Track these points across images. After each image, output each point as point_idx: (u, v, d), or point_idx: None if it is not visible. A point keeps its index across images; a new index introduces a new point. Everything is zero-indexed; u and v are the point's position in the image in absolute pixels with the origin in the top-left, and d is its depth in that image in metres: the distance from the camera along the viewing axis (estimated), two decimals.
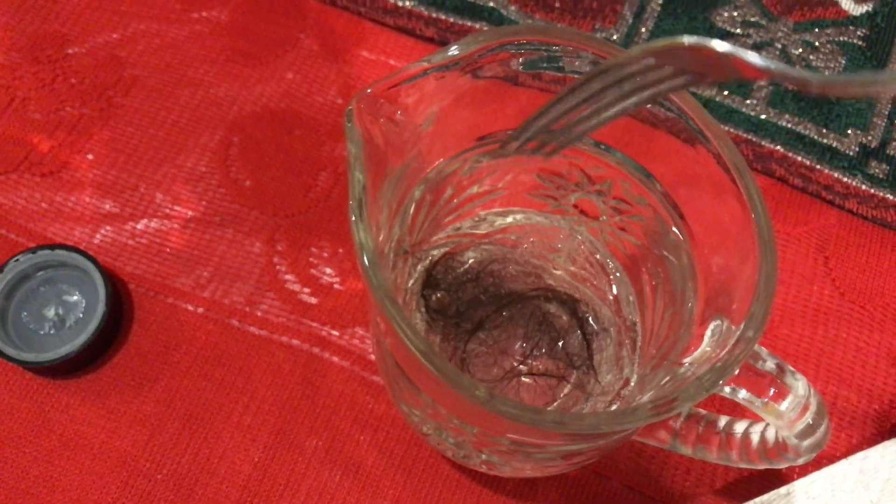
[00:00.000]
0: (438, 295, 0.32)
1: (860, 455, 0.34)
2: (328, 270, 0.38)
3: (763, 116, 0.42)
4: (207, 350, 0.36)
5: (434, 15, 0.43)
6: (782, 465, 0.29)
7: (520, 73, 0.28)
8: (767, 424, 0.28)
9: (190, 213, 0.39)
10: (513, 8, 0.44)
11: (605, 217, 0.32)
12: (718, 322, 0.26)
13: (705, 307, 0.27)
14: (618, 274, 0.33)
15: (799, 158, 0.41)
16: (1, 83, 0.41)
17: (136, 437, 0.35)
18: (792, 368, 0.25)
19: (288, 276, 0.38)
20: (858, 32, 0.44)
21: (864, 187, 0.41)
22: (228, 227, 0.39)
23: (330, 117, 0.41)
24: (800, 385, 0.25)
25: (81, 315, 0.36)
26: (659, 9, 0.44)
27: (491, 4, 0.44)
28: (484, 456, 0.29)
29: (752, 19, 0.44)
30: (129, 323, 0.37)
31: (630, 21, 0.44)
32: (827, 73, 0.43)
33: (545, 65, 0.27)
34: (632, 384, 0.31)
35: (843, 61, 0.43)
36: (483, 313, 0.33)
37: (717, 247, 0.27)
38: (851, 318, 0.38)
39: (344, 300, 0.37)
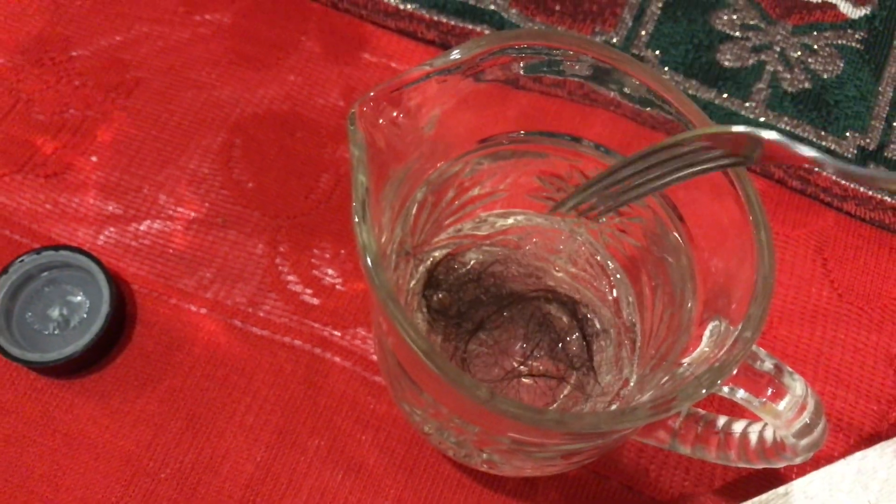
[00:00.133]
0: (440, 295, 0.33)
1: (858, 455, 0.35)
2: (330, 271, 0.38)
3: (762, 119, 0.42)
4: (210, 350, 0.37)
5: (435, 18, 0.43)
6: (780, 465, 0.29)
7: (521, 76, 0.28)
8: (765, 424, 0.29)
9: (193, 214, 0.39)
10: (513, 11, 0.44)
11: (604, 219, 0.32)
12: (717, 323, 0.26)
13: (704, 308, 0.27)
14: (618, 275, 0.33)
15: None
16: (5, 85, 0.41)
17: (140, 436, 0.35)
18: (790, 369, 0.25)
19: (290, 277, 0.38)
20: (857, 36, 0.45)
21: (862, 189, 0.41)
22: (231, 228, 0.39)
23: (332, 119, 0.41)
24: (797, 385, 0.25)
25: (85, 315, 0.36)
26: (658, 12, 0.45)
27: (492, 8, 0.44)
28: (485, 455, 0.29)
29: (752, 22, 0.45)
30: (133, 323, 0.37)
31: (630, 24, 0.44)
32: (825, 76, 0.43)
33: (546, 68, 0.28)
34: (631, 384, 0.31)
35: (842, 64, 0.44)
36: (484, 314, 0.33)
37: (716, 248, 0.28)
38: (849, 319, 0.39)
39: (346, 301, 0.38)
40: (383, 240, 0.25)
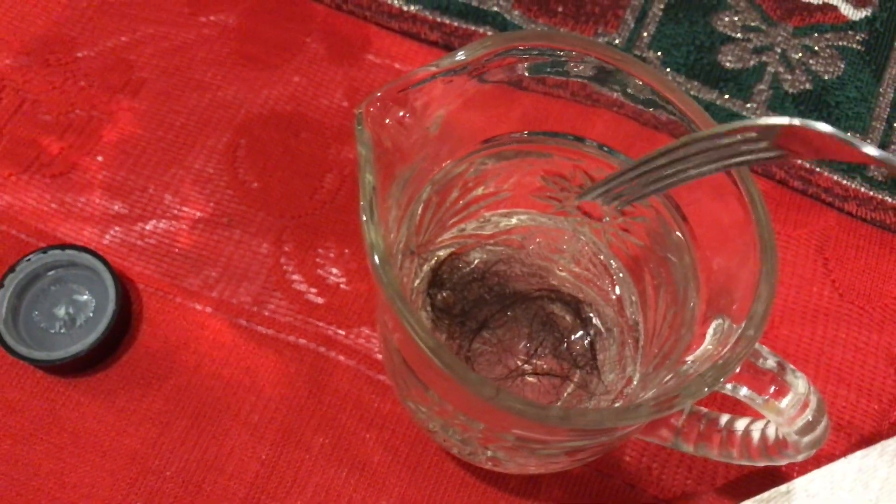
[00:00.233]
0: (444, 294, 0.33)
1: (859, 454, 0.35)
2: (334, 270, 0.39)
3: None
4: (215, 349, 0.37)
5: (439, 19, 0.44)
6: (782, 462, 0.29)
7: (524, 77, 0.28)
8: (768, 422, 0.29)
9: (198, 214, 0.39)
10: (516, 13, 0.44)
11: (608, 218, 0.32)
12: (720, 321, 0.26)
13: (707, 307, 0.28)
14: (621, 274, 0.33)
15: (798, 161, 0.42)
16: (12, 86, 0.41)
17: (146, 434, 0.35)
18: (792, 366, 0.26)
19: (295, 277, 0.38)
20: (857, 37, 0.45)
21: (863, 190, 0.41)
22: (236, 227, 0.39)
23: (336, 120, 0.42)
24: (800, 383, 0.25)
25: (91, 314, 0.36)
26: (660, 14, 0.45)
27: (495, 9, 0.44)
28: (489, 452, 0.29)
29: (753, 24, 0.45)
30: (138, 322, 0.37)
31: (632, 26, 0.44)
32: (826, 77, 0.44)
33: (549, 69, 0.28)
34: (634, 383, 0.31)
35: (843, 66, 0.44)
36: (487, 313, 0.33)
37: (719, 248, 0.28)
38: (850, 319, 0.39)
39: (350, 300, 0.38)
40: (390, 238, 0.26)
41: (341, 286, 0.38)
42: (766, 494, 0.34)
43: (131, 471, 0.35)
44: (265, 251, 0.39)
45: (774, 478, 0.36)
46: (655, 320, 0.31)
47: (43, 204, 0.39)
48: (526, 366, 0.33)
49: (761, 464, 0.30)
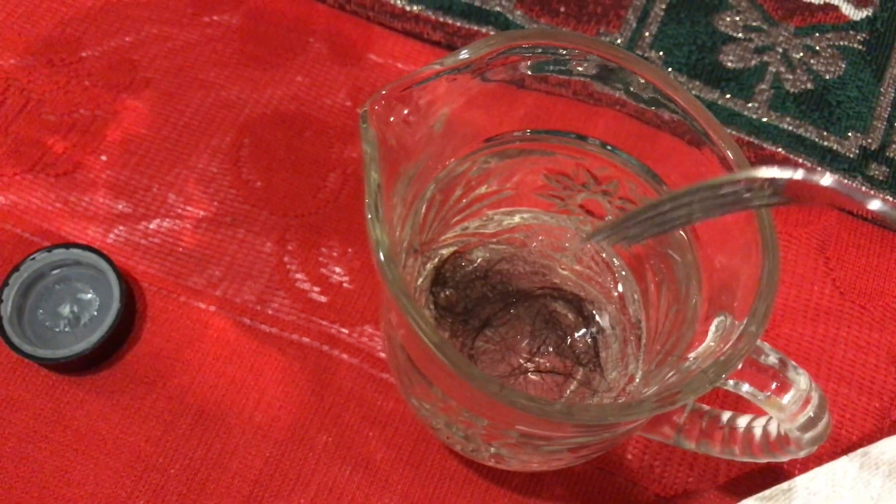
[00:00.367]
0: (447, 293, 0.33)
1: (860, 451, 0.35)
2: (338, 269, 0.39)
3: (765, 119, 0.43)
4: (219, 347, 0.37)
5: (441, 19, 0.44)
6: (784, 459, 0.29)
7: (527, 76, 0.28)
8: (770, 418, 0.29)
9: (202, 213, 0.39)
10: (518, 12, 0.44)
11: (611, 217, 0.32)
12: (722, 318, 0.26)
13: (709, 304, 0.28)
14: (623, 272, 0.33)
15: (800, 160, 0.42)
16: (16, 85, 0.41)
17: (150, 432, 0.35)
18: (794, 363, 0.26)
19: (298, 275, 0.38)
20: (859, 37, 0.45)
21: (864, 189, 0.41)
22: (240, 227, 0.39)
23: (339, 119, 0.42)
24: (801, 379, 0.25)
25: (96, 313, 0.36)
26: (662, 14, 0.45)
27: (497, 9, 0.44)
28: (493, 449, 0.30)
29: (754, 24, 0.45)
30: (143, 321, 0.37)
31: (634, 25, 0.45)
32: (827, 76, 0.44)
33: (552, 68, 0.28)
34: (637, 380, 0.31)
35: (844, 65, 0.44)
36: (490, 311, 0.33)
37: (721, 246, 0.28)
38: (852, 318, 0.39)
39: (353, 299, 0.38)
40: (395, 236, 0.26)
41: (344, 285, 0.38)
42: (767, 492, 0.34)
43: (135, 468, 0.35)
44: (269, 250, 0.39)
45: (776, 475, 0.36)
46: (658, 318, 0.31)
47: (47, 203, 0.39)
48: (529, 364, 0.33)
49: (763, 460, 0.30)
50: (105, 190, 0.40)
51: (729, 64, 0.44)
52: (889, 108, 0.43)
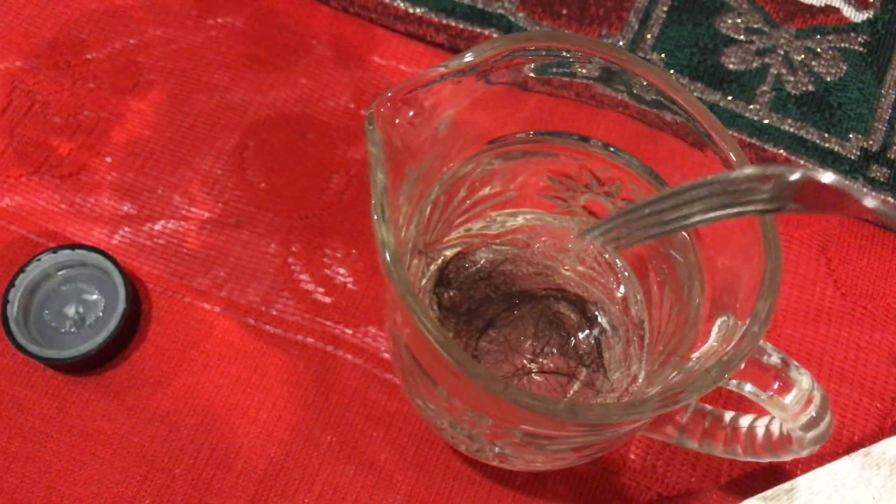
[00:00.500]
0: (450, 293, 0.33)
1: (862, 451, 0.35)
2: (342, 270, 0.39)
3: (766, 121, 0.43)
4: (224, 348, 0.37)
5: (444, 21, 0.44)
6: (787, 458, 0.29)
7: (530, 78, 0.29)
8: (772, 418, 0.29)
9: (206, 214, 0.40)
10: (521, 15, 0.45)
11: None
12: (724, 318, 0.26)
13: (711, 304, 0.28)
14: (626, 273, 0.33)
15: (801, 162, 0.42)
16: (22, 88, 0.42)
17: (155, 432, 0.36)
18: (796, 363, 0.26)
19: (302, 276, 0.39)
20: (859, 39, 0.45)
21: (864, 191, 0.42)
22: (244, 228, 0.39)
23: (342, 121, 0.42)
24: (804, 379, 0.26)
25: (101, 314, 0.37)
26: (664, 16, 0.45)
27: (500, 11, 0.45)
28: (497, 449, 0.30)
29: (755, 26, 0.45)
30: (148, 321, 0.37)
31: (636, 28, 0.45)
32: (829, 78, 0.44)
33: (555, 70, 0.28)
34: (640, 380, 0.31)
35: (845, 67, 0.44)
36: (494, 312, 0.33)
37: (723, 247, 0.28)
38: (853, 318, 0.39)
39: (357, 299, 0.38)
40: (401, 237, 0.26)
41: (348, 286, 0.39)
42: (769, 492, 0.35)
43: (141, 468, 0.35)
44: (273, 251, 0.39)
45: (778, 475, 0.36)
46: (660, 318, 0.31)
47: (53, 204, 0.39)
48: (532, 364, 0.33)
49: (766, 460, 0.30)
50: (110, 191, 0.40)
51: (730, 66, 0.44)
52: (890, 110, 0.44)
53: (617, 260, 0.34)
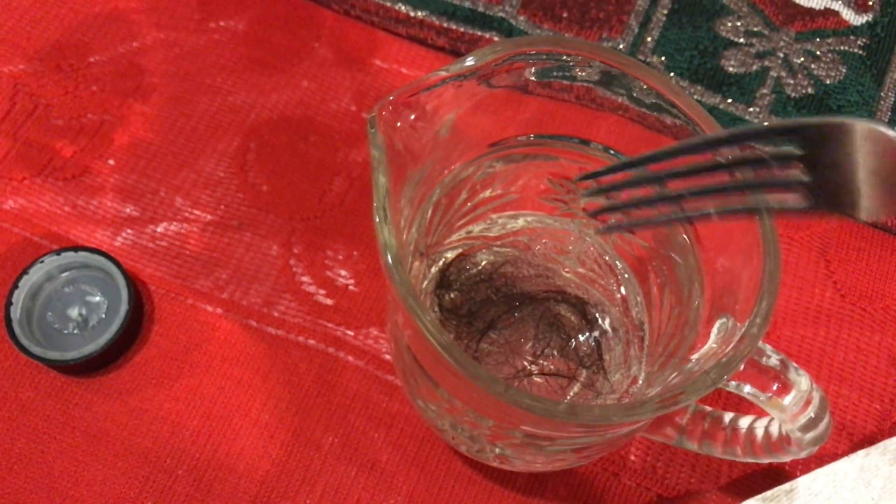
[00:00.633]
0: (451, 295, 0.33)
1: (861, 453, 0.35)
2: (343, 272, 0.39)
3: (766, 123, 0.43)
4: (226, 349, 0.37)
5: (446, 25, 0.44)
6: (786, 459, 0.30)
7: (531, 82, 0.29)
8: (771, 419, 0.29)
9: (208, 216, 0.40)
10: (522, 18, 0.45)
11: (613, 220, 0.33)
12: (724, 320, 0.27)
13: (711, 306, 0.28)
14: (626, 275, 0.34)
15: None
16: (25, 91, 0.42)
17: (157, 433, 0.36)
18: (795, 364, 0.26)
19: (304, 278, 0.39)
20: (859, 42, 0.45)
21: None
22: (246, 230, 0.40)
23: (344, 124, 0.42)
24: (803, 380, 0.26)
25: (104, 315, 0.37)
26: (664, 19, 0.45)
27: (501, 15, 0.45)
28: (497, 450, 0.30)
29: (755, 29, 0.45)
30: (150, 323, 0.38)
31: (636, 31, 0.45)
32: (828, 81, 0.44)
33: (556, 73, 0.29)
34: (640, 382, 0.32)
35: (844, 70, 0.45)
36: (494, 313, 0.34)
37: (723, 248, 0.28)
38: (852, 320, 0.39)
39: (358, 301, 0.38)
40: (402, 239, 0.26)
41: (350, 287, 0.39)
42: (769, 493, 0.35)
43: (143, 469, 0.35)
44: (275, 253, 0.39)
45: (778, 476, 0.36)
46: (660, 320, 0.31)
47: (56, 207, 0.40)
48: (533, 366, 0.33)
49: (765, 461, 0.30)
50: (113, 194, 0.40)
51: (730, 69, 0.44)
52: (889, 113, 0.44)
53: (617, 262, 0.34)
